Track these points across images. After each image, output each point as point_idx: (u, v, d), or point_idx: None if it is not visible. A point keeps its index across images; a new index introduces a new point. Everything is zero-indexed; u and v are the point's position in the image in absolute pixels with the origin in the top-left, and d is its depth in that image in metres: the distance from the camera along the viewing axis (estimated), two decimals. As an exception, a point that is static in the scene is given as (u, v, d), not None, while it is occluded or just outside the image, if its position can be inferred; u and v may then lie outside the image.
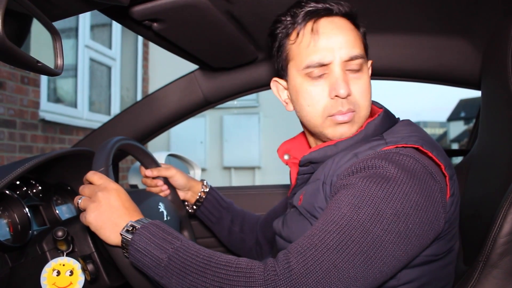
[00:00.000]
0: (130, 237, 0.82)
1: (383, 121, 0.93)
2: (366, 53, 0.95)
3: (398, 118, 0.98)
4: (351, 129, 0.92)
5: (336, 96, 0.89)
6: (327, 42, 0.90)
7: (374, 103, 0.99)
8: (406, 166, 0.78)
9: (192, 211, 1.32)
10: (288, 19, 0.94)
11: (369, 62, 0.97)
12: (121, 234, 0.83)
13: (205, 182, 1.33)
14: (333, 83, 0.89)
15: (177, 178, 1.26)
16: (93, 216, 0.85)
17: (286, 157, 1.06)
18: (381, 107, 0.97)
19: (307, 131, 1.03)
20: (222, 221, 1.32)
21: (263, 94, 5.00)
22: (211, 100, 1.58)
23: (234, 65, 1.48)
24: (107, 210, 0.85)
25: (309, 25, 0.92)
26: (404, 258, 0.76)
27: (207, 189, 1.31)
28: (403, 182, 0.76)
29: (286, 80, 0.99)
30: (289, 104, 1.01)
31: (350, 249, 0.72)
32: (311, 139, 1.03)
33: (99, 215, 0.85)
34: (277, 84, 1.03)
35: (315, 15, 0.91)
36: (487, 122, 1.04)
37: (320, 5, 0.91)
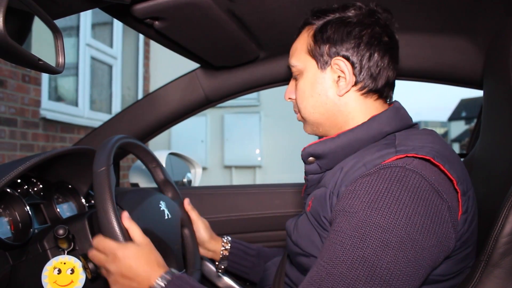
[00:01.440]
0: None
1: (388, 116, 0.89)
2: (317, 57, 0.92)
3: (417, 124, 0.94)
4: (306, 127, 1.00)
5: None
6: None
7: (393, 102, 0.97)
8: (409, 184, 0.73)
9: (222, 270, 1.30)
10: None
11: (309, 65, 0.94)
12: None
13: (224, 239, 1.29)
14: None
15: (199, 228, 1.26)
16: None
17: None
18: (394, 103, 0.94)
19: None
20: (255, 269, 1.28)
21: (264, 93, 5.00)
22: (212, 99, 1.58)
23: (235, 63, 1.48)
24: (124, 281, 0.87)
25: None
26: (417, 284, 0.73)
27: (228, 246, 1.28)
28: (405, 205, 0.72)
29: None
30: None
31: None
32: None
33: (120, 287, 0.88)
34: None
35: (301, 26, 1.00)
36: (489, 121, 1.04)
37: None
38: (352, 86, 0.90)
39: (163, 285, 0.84)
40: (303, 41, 0.95)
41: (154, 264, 0.87)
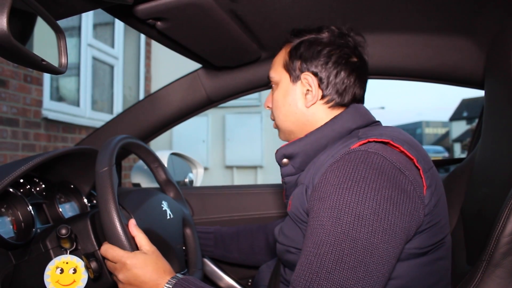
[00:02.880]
0: None
1: (349, 113, 0.98)
2: (290, 71, 1.03)
3: (379, 121, 1.02)
4: (280, 134, 1.10)
5: None
6: None
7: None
8: (373, 164, 0.80)
9: None
10: None
11: (283, 78, 1.04)
12: None
13: None
14: None
15: None
16: None
17: None
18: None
19: None
20: (219, 247, 1.42)
21: (265, 93, 5.00)
22: (214, 99, 1.58)
23: (237, 64, 1.48)
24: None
25: None
26: (397, 253, 0.78)
27: None
28: (372, 180, 0.78)
29: None
30: None
31: (348, 264, 0.74)
32: None
33: None
34: None
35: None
36: (490, 121, 1.04)
37: None
38: (319, 99, 1.00)
39: None
40: (281, 57, 1.07)
41: (161, 271, 0.90)
